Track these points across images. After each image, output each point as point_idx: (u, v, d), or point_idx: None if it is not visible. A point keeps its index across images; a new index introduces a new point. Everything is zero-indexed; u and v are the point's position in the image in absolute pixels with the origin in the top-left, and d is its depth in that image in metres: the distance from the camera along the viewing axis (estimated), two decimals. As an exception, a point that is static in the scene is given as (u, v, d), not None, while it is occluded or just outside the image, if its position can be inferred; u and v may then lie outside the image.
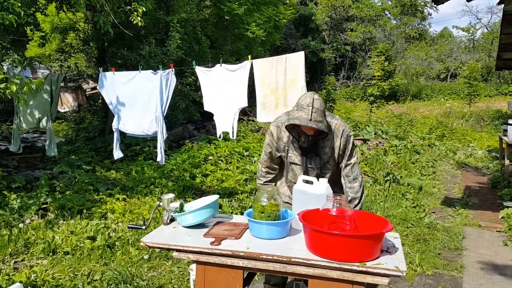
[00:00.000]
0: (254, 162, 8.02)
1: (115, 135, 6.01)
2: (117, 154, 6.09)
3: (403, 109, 19.70)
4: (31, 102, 5.97)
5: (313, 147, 2.68)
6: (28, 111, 6.06)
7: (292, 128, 2.67)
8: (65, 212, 5.22)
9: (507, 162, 7.39)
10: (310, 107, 2.46)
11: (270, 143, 2.80)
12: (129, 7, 5.77)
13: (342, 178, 2.76)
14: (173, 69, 5.71)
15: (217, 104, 5.12)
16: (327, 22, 29.89)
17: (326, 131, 2.54)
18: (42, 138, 8.43)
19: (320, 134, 2.64)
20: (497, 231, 5.07)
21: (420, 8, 32.11)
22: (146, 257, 4.11)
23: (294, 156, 2.72)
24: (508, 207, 5.60)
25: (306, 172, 2.71)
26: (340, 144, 2.67)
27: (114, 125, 6.01)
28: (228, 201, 5.77)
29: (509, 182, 6.98)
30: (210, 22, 15.76)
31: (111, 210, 5.32)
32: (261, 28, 15.37)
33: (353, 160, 2.73)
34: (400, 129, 12.86)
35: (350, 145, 2.71)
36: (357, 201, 2.69)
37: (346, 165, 2.73)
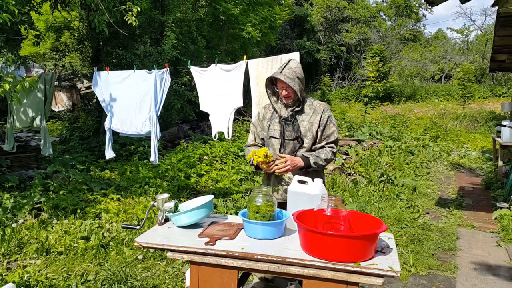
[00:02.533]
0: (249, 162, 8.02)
1: (108, 134, 5.98)
2: (109, 154, 6.05)
3: (398, 110, 19.79)
4: (24, 101, 5.94)
5: (292, 121, 2.82)
6: (22, 109, 6.02)
7: (276, 101, 2.91)
8: (59, 212, 5.19)
9: (500, 163, 7.45)
10: (284, 64, 2.75)
11: (256, 122, 3.03)
12: (124, 6, 5.75)
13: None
14: (168, 68, 5.69)
15: (212, 104, 5.12)
16: (322, 23, 29.93)
17: (297, 92, 2.71)
18: (36, 137, 8.39)
19: (298, 105, 2.81)
20: (490, 231, 5.11)
21: (414, 10, 32.23)
22: (140, 257, 4.10)
23: (274, 130, 2.87)
24: (501, 208, 5.64)
25: (282, 145, 2.83)
26: (320, 120, 2.79)
27: (107, 124, 5.97)
28: (223, 201, 5.77)
29: (502, 183, 7.03)
30: (206, 22, 15.74)
31: (105, 210, 5.30)
32: (256, 29, 15.37)
33: (332, 138, 2.82)
34: (394, 130, 12.91)
35: (331, 125, 2.82)
36: (322, 162, 2.76)
37: (323, 145, 2.83)
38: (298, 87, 2.72)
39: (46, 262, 4.00)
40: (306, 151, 2.80)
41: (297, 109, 2.81)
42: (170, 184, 6.59)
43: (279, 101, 2.90)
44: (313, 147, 2.84)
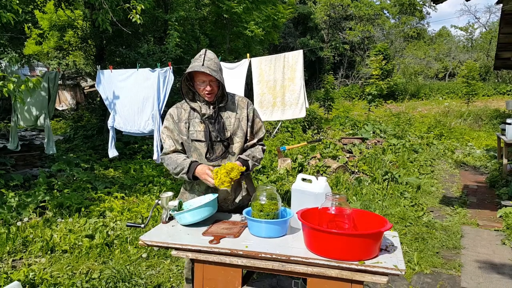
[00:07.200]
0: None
1: (111, 133, 5.99)
2: (112, 152, 6.06)
3: (402, 108, 19.72)
4: (28, 99, 5.96)
5: (217, 118, 2.50)
6: (26, 108, 6.05)
7: (192, 99, 2.54)
8: (63, 210, 5.21)
9: (505, 161, 7.41)
10: (203, 56, 2.40)
11: (170, 126, 2.57)
12: (127, 5, 5.76)
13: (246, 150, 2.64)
14: (171, 67, 5.69)
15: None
16: (325, 21, 29.89)
17: (222, 82, 2.41)
18: (40, 136, 8.41)
19: (221, 101, 2.52)
20: (495, 230, 5.09)
21: (418, 7, 32.11)
22: (144, 255, 4.11)
23: (196, 132, 2.50)
24: (506, 206, 5.62)
25: (211, 148, 2.50)
26: (247, 115, 2.57)
27: (110, 123, 5.98)
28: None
29: (507, 181, 7.00)
30: (209, 20, 15.74)
31: (110, 208, 5.31)
32: (260, 27, 15.35)
33: (261, 134, 2.66)
34: (398, 128, 12.87)
35: (258, 119, 2.64)
36: (258, 163, 2.59)
37: (255, 142, 2.64)
38: (223, 80, 2.45)
39: (50, 260, 4.02)
40: (237, 151, 2.56)
41: (221, 105, 2.50)
42: (174, 183, 6.60)
43: (196, 99, 2.55)
44: (245, 145, 2.61)
